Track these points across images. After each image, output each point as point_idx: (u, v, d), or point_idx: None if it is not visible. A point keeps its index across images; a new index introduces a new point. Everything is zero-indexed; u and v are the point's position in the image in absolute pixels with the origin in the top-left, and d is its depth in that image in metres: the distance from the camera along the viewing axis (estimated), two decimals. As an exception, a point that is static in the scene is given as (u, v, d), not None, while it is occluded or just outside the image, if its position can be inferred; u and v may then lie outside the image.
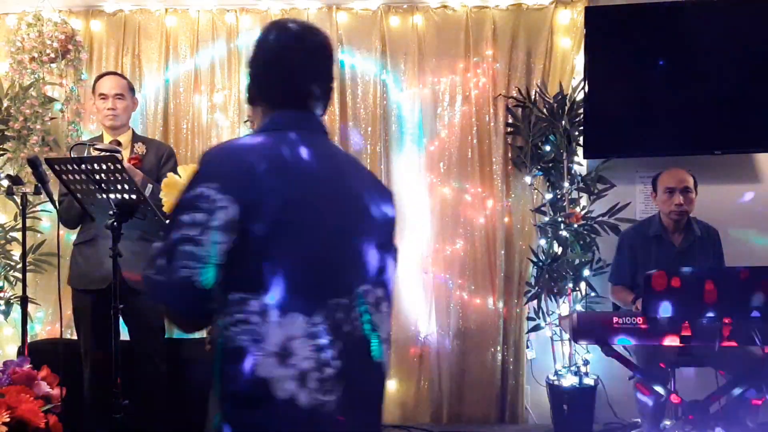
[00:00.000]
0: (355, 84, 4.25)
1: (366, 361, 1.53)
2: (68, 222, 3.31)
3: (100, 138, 3.47)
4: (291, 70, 1.57)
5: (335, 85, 4.03)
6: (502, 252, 4.18)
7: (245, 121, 3.03)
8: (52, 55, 3.93)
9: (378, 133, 4.22)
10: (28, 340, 3.15)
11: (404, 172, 4.27)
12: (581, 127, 4.03)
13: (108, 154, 2.78)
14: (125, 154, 3.31)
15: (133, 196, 2.68)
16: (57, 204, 3.00)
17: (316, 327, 1.44)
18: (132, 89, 3.53)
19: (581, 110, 4.02)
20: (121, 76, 3.60)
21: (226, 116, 4.26)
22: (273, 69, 1.58)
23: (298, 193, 1.46)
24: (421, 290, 4.24)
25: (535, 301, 4.08)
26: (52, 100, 4.05)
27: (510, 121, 4.22)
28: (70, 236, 4.04)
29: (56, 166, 2.77)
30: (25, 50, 3.93)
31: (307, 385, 1.42)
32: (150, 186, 3.16)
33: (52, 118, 4.02)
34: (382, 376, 1.58)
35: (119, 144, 3.36)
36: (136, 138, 3.49)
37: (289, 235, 1.43)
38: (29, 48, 3.91)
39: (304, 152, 1.53)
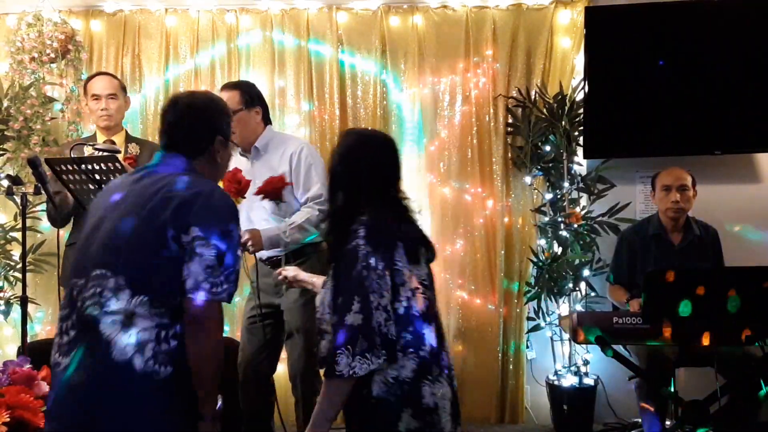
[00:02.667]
0: (355, 84, 4.25)
1: (93, 337, 1.82)
2: (56, 220, 3.28)
3: (93, 138, 3.47)
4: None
5: (335, 84, 4.12)
6: (502, 252, 4.17)
7: None
8: (52, 55, 3.92)
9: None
10: (28, 340, 3.14)
11: (404, 172, 4.15)
12: (581, 127, 4.03)
13: (108, 153, 2.79)
14: (119, 154, 3.30)
15: None
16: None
17: (65, 301, 1.93)
18: (124, 89, 3.54)
19: (581, 110, 4.01)
20: (113, 76, 3.60)
21: None
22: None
23: (93, 203, 2.06)
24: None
25: (535, 301, 4.08)
26: (52, 100, 4.05)
27: (510, 121, 4.21)
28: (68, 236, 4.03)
29: (56, 167, 2.77)
30: (25, 50, 3.93)
31: (54, 349, 1.91)
32: None
33: (52, 118, 4.02)
34: (108, 355, 1.80)
35: (113, 144, 3.36)
36: (129, 138, 3.50)
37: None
38: (29, 48, 3.91)
39: (125, 178, 2.07)
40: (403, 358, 1.94)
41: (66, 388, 1.82)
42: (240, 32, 4.23)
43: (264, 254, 3.07)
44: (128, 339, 1.78)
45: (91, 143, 3.30)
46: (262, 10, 4.24)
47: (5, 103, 3.96)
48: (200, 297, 1.82)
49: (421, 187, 4.24)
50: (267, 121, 3.18)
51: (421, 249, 2.05)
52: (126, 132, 3.53)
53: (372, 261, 1.91)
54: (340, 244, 1.99)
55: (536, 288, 4.07)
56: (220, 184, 2.68)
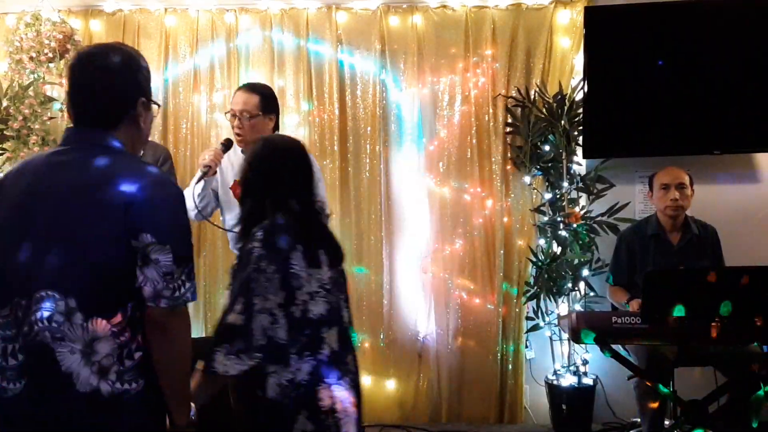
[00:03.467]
0: (354, 84, 4.25)
1: (48, 367, 1.62)
2: None
3: None
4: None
5: (335, 84, 4.12)
6: (502, 252, 4.17)
7: (224, 143, 3.06)
8: (51, 55, 3.92)
9: (377, 133, 4.22)
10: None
11: (403, 172, 4.27)
12: (580, 127, 4.03)
13: None
14: None
15: None
16: None
17: (4, 319, 1.67)
18: None
19: (580, 110, 4.01)
20: None
21: (225, 116, 4.24)
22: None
23: (7, 187, 1.75)
24: (420, 290, 4.25)
25: (534, 301, 4.08)
26: (51, 99, 4.04)
27: (509, 120, 4.21)
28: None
29: None
30: (24, 50, 3.92)
31: None
32: None
33: (51, 118, 4.02)
34: (70, 386, 1.62)
35: None
36: None
37: None
38: (27, 48, 3.91)
39: (29, 167, 1.75)
40: (299, 361, 1.99)
41: (22, 418, 1.64)
42: (239, 32, 4.23)
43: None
44: (91, 369, 1.62)
45: None
46: (261, 9, 4.25)
47: (4, 103, 3.96)
48: (162, 305, 1.66)
49: (420, 187, 4.26)
50: (277, 128, 3.20)
51: (320, 252, 2.07)
52: None
53: (263, 264, 1.95)
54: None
55: (535, 288, 4.07)
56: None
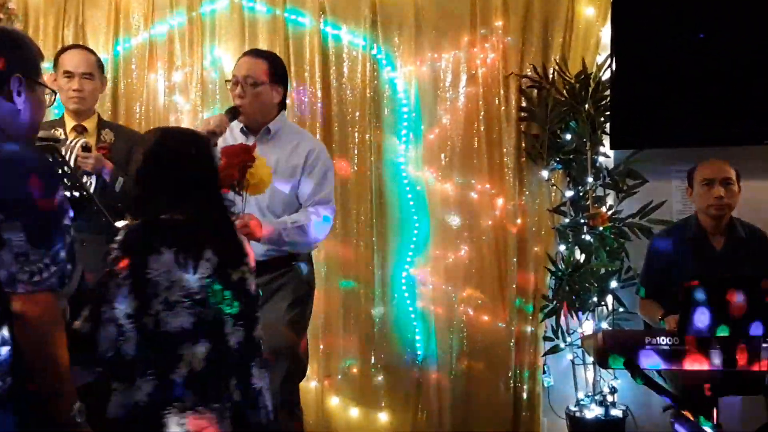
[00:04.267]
0: (340, 60, 4.26)
1: None
2: None
3: (60, 122, 3.47)
4: None
5: (317, 60, 4.13)
6: (515, 260, 4.19)
7: (230, 111, 3.11)
8: (-21, 25, 3.90)
9: (367, 119, 4.24)
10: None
11: (398, 165, 4.29)
12: (607, 112, 4.04)
13: (46, 144, 2.78)
14: (91, 141, 3.32)
15: (76, 194, 2.68)
16: None
17: None
18: (101, 67, 3.54)
19: (607, 92, 4.02)
20: (90, 51, 3.58)
21: (186, 98, 4.30)
22: None
23: None
24: (418, 304, 4.26)
25: (553, 318, 4.08)
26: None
27: (523, 104, 4.22)
28: None
29: None
30: (-58, 18, 3.93)
31: None
32: (120, 180, 3.18)
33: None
34: None
35: (84, 130, 3.38)
36: (102, 123, 3.51)
37: None
38: (-51, 16, 3.91)
39: None
40: (141, 380, 2.03)
41: None
42: (203, -1, 4.26)
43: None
44: None
45: (56, 128, 3.32)
46: (229, -29, 4.29)
47: None
48: (19, 290, 1.74)
49: (418, 183, 4.27)
50: (283, 106, 3.29)
51: (197, 257, 2.10)
52: (98, 116, 3.54)
53: (116, 267, 2.04)
54: None
55: (554, 302, 4.08)
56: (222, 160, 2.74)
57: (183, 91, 4.28)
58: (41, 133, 2.94)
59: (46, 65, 3.95)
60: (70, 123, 3.42)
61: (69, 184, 2.68)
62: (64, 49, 3.52)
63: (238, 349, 2.14)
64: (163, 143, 2.22)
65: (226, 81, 3.33)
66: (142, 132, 4.14)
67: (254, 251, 3.02)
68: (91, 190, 3.03)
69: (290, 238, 3.05)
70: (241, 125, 3.21)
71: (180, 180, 2.17)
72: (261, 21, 4.25)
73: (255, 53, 3.26)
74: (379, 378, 4.23)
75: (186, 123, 4.21)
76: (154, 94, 4.27)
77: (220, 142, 3.07)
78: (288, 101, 4.12)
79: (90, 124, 3.44)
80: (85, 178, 3.10)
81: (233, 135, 3.18)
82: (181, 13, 4.25)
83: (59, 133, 3.30)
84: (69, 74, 3.39)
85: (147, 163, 2.19)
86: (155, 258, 2.05)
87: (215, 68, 4.28)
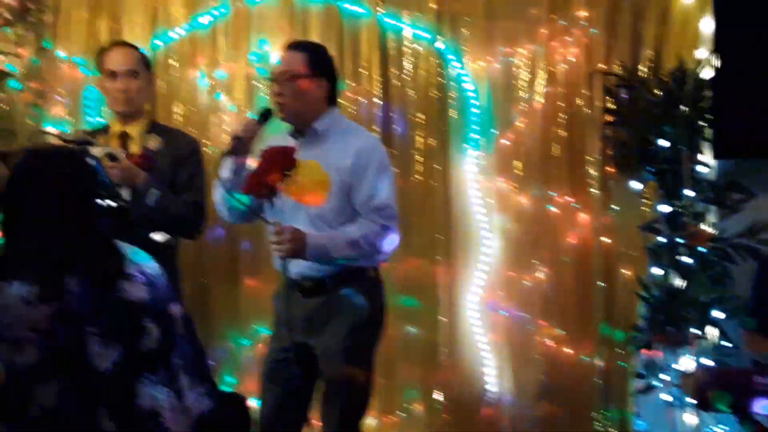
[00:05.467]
0: (400, 56, 4.29)
1: None
2: None
3: (105, 128, 3.57)
4: None
5: (375, 56, 4.16)
6: (600, 284, 4.17)
7: (261, 113, 3.15)
8: (7, 16, 4.02)
9: (432, 122, 4.26)
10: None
11: (467, 173, 4.29)
12: (709, 116, 3.98)
13: (75, 146, 2.83)
14: (135, 149, 3.41)
15: (112, 203, 2.72)
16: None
17: None
18: (147, 64, 3.62)
19: (709, 92, 3.97)
20: (133, 47, 3.68)
21: (231, 98, 4.34)
22: None
23: None
24: (489, 334, 4.25)
25: (646, 352, 4.02)
26: (5, 75, 4.12)
27: (610, 106, 4.19)
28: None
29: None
30: (-30, 9, 4.03)
31: None
32: (155, 192, 3.24)
33: (6, 100, 4.11)
34: None
35: (127, 136, 3.46)
36: (154, 127, 3.58)
37: None
38: (-25, 8, 4.01)
39: None
40: None
41: None
42: (251, -14, 4.33)
43: (294, 271, 3.09)
44: None
45: (102, 134, 3.44)
46: (279, -42, 4.35)
47: (-57, 80, 4.06)
48: None
49: (489, 195, 4.27)
50: (333, 101, 3.27)
51: (36, 285, 2.06)
52: (150, 119, 3.63)
53: None
54: None
55: (647, 333, 4.01)
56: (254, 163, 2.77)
57: (227, 90, 4.34)
58: (68, 135, 3.02)
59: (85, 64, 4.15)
60: (116, 127, 3.52)
61: (102, 192, 2.71)
62: (106, 49, 3.60)
63: (115, 371, 2.07)
64: (23, 166, 2.21)
65: (266, 78, 3.37)
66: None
67: (308, 268, 3.06)
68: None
69: (340, 254, 3.03)
70: (290, 128, 3.22)
71: (36, 205, 2.15)
72: (313, 12, 4.27)
73: (293, 46, 3.28)
74: (445, 415, 4.22)
75: (229, 124, 4.24)
76: (195, 93, 4.34)
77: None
78: (342, 101, 4.19)
79: (136, 128, 3.51)
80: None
81: (286, 141, 3.17)
82: (225, 4, 4.30)
83: (100, 140, 3.36)
84: (113, 74, 3.46)
85: (6, 189, 2.19)
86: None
87: (262, 64, 4.30)
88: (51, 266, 2.09)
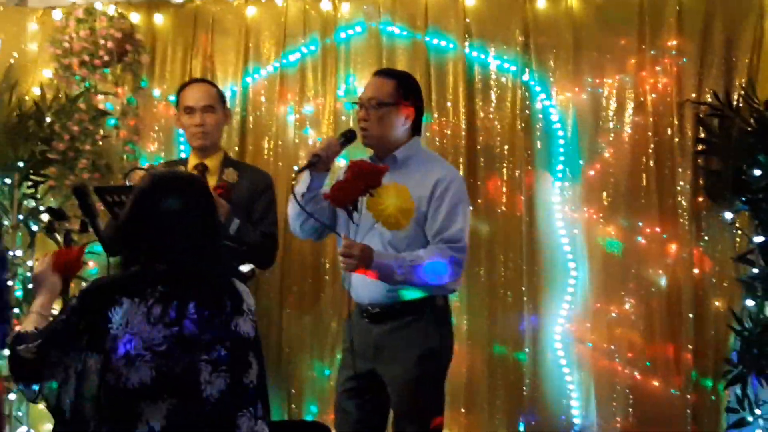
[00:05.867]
0: (487, 88, 4.33)
1: None
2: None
3: (185, 161, 3.69)
4: None
5: (461, 88, 4.19)
6: (691, 316, 4.10)
7: (344, 134, 3.18)
8: (106, 58, 4.20)
9: (518, 153, 4.28)
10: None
11: (554, 204, 4.29)
12: (804, 145, 3.91)
13: None
14: (212, 181, 3.50)
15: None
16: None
17: None
18: (223, 99, 3.75)
19: (805, 121, 3.90)
20: (210, 83, 3.82)
21: (318, 132, 4.45)
22: None
23: None
24: (575, 366, 4.22)
25: (739, 386, 3.96)
26: (104, 113, 4.31)
27: (702, 136, 4.18)
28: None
29: (108, 197, 2.94)
30: (74, 52, 4.23)
31: None
32: (236, 221, 3.33)
33: (104, 137, 4.30)
34: None
35: (205, 168, 3.57)
36: (228, 162, 3.68)
37: None
38: (78, 49, 4.21)
39: None
40: None
41: None
42: (338, 24, 4.42)
43: (362, 295, 3.15)
44: None
45: (182, 167, 3.53)
46: (366, -6, 4.43)
47: (48, 119, 4.25)
48: None
49: (575, 226, 4.26)
50: (416, 130, 3.29)
51: (158, 305, 2.14)
52: (225, 154, 3.72)
53: (74, 318, 2.17)
54: None
55: (740, 367, 3.96)
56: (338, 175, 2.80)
57: (314, 125, 4.44)
58: (156, 170, 3.12)
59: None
60: (193, 161, 3.61)
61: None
62: (185, 86, 3.72)
63: (219, 400, 2.15)
64: (150, 189, 2.28)
65: (353, 102, 3.40)
66: (270, 170, 4.35)
67: (374, 294, 3.08)
68: None
69: (404, 277, 2.99)
70: (371, 154, 3.24)
71: (161, 229, 2.23)
72: (400, 47, 4.36)
73: (382, 72, 3.32)
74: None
75: None
76: (284, 127, 4.45)
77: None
78: (428, 134, 4.25)
79: (213, 162, 3.61)
80: None
81: None
82: (314, 41, 4.42)
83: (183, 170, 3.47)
84: (190, 110, 3.57)
85: (130, 210, 2.27)
86: (115, 309, 2.13)
87: (350, 99, 4.35)
88: (178, 290, 2.18)
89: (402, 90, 3.19)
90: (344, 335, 3.27)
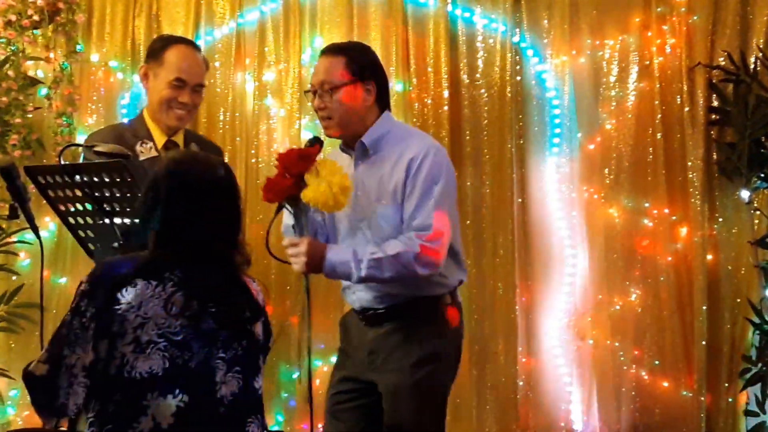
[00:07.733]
0: (473, 51, 4.26)
1: None
2: None
3: (147, 133, 3.35)
4: None
5: (443, 51, 4.07)
6: (704, 308, 4.07)
7: (309, 143, 3.04)
8: (36, 18, 4.01)
9: (509, 125, 4.20)
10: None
11: (549, 182, 4.24)
12: (830, 115, 3.85)
13: (113, 160, 2.73)
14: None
15: None
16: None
17: None
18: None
19: (831, 87, 3.85)
20: (201, 54, 3.50)
21: (281, 102, 4.32)
22: None
23: None
24: (574, 364, 4.18)
25: (758, 386, 3.97)
26: (35, 82, 4.12)
27: (715, 104, 4.15)
28: (59, 279, 3.98)
29: (40, 178, 2.72)
30: (-1, 11, 4.02)
31: None
32: None
33: (35, 108, 4.09)
34: None
35: (175, 146, 3.33)
36: (189, 137, 3.46)
37: None
38: (3, 8, 4.00)
39: None
40: None
41: None
42: (303, -24, 4.23)
43: (358, 302, 3.04)
44: None
45: (144, 141, 3.30)
46: (335, -55, 4.28)
47: (-29, 89, 4.05)
48: None
49: (573, 206, 4.22)
50: (384, 104, 3.09)
51: (178, 295, 2.13)
52: (186, 129, 3.49)
53: (83, 303, 2.10)
54: None
55: (759, 365, 3.97)
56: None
57: (276, 94, 4.32)
58: (109, 148, 2.91)
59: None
60: (160, 138, 3.34)
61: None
62: (174, 41, 3.36)
63: (232, 402, 2.15)
64: (180, 167, 2.28)
65: (305, 92, 3.29)
66: (227, 145, 4.19)
67: (365, 297, 2.99)
68: None
69: (366, 273, 2.85)
70: (344, 149, 3.09)
71: (194, 210, 2.24)
72: (373, 3, 4.29)
73: (328, 50, 3.10)
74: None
75: (280, 132, 4.27)
76: (242, 97, 4.33)
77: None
78: (406, 103, 4.20)
79: (179, 137, 3.38)
80: None
81: (342, 159, 3.03)
82: (274, -1, 4.28)
83: (148, 147, 3.25)
84: (180, 83, 3.26)
85: (150, 190, 2.26)
86: (127, 290, 2.10)
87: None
88: (198, 278, 2.18)
89: (354, 65, 2.97)
90: (340, 335, 3.16)
